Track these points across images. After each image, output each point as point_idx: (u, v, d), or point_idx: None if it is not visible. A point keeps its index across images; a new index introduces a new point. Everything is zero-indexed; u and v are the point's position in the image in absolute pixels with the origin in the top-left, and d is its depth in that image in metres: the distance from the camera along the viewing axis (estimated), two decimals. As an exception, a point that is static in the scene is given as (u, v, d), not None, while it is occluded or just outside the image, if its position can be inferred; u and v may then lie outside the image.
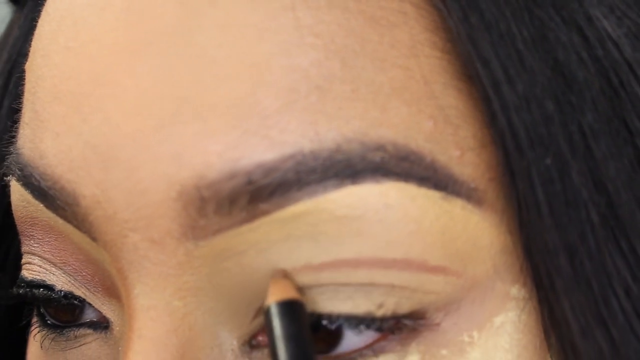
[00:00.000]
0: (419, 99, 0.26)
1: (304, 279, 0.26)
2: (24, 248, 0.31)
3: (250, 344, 0.27)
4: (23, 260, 0.31)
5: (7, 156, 0.30)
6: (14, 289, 0.31)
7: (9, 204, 0.31)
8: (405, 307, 0.26)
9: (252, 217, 0.26)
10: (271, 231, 0.26)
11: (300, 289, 0.26)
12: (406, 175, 0.26)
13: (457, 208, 0.26)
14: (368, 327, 0.26)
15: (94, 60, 0.27)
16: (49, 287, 0.30)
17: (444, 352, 0.26)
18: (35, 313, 0.32)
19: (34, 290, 0.30)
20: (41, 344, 0.31)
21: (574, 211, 0.26)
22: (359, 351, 0.26)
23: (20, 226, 0.31)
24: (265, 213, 0.26)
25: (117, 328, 0.29)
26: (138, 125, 0.26)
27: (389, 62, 0.26)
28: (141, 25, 0.27)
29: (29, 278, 0.30)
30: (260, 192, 0.25)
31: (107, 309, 0.29)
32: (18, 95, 0.32)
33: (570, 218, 0.26)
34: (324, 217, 0.26)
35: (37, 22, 0.31)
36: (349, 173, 0.26)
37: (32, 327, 0.32)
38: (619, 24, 0.27)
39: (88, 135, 0.27)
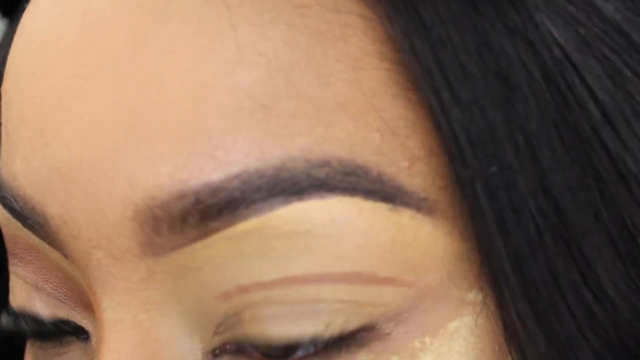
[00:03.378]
0: (365, 112, 0.27)
1: (255, 296, 0.27)
2: (10, 267, 0.32)
3: (214, 353, 0.28)
4: (10, 283, 0.32)
5: None
6: (2, 319, 0.32)
7: None
8: (353, 323, 0.26)
9: (204, 234, 0.26)
10: (224, 248, 0.27)
11: (252, 308, 0.27)
12: (352, 190, 0.26)
13: (406, 218, 0.27)
14: (316, 346, 0.27)
15: (53, 86, 0.28)
16: (35, 316, 0.31)
17: (394, 358, 0.27)
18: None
19: (20, 320, 0.31)
20: (33, 350, 0.33)
21: (520, 218, 0.26)
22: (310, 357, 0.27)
23: (7, 244, 0.32)
24: (216, 230, 0.26)
25: (95, 339, 0.30)
26: (93, 149, 0.27)
27: (335, 76, 0.27)
28: (93, 51, 0.28)
29: (14, 306, 0.32)
30: (209, 211, 0.26)
31: (87, 322, 0.31)
32: None
33: (517, 225, 0.26)
34: (272, 233, 0.26)
35: None
36: (294, 190, 0.26)
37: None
38: (565, 28, 0.27)
39: (50, 158, 0.28)
